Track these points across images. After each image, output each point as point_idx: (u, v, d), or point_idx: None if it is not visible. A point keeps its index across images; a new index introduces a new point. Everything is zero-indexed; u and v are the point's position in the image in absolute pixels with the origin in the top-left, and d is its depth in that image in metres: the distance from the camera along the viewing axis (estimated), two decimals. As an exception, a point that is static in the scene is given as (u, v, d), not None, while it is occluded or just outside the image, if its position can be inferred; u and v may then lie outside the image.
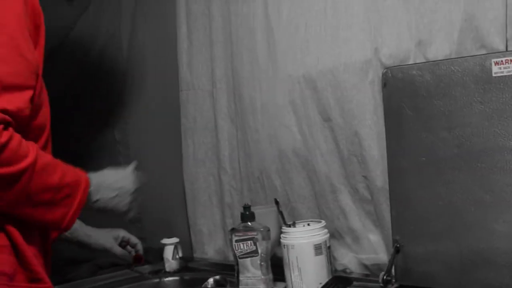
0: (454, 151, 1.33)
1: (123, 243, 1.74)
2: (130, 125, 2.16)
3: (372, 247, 1.55)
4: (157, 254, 1.87)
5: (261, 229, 1.50)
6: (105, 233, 1.71)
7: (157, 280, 1.78)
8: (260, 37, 1.71)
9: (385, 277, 1.38)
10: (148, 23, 2.08)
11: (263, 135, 1.73)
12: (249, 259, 1.50)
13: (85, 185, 1.18)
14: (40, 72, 1.13)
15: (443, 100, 1.34)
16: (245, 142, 1.80)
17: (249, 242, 1.49)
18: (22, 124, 1.07)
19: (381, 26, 1.46)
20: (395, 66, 1.43)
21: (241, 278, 1.51)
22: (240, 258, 1.50)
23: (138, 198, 1.35)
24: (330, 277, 1.46)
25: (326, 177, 1.60)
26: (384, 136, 1.46)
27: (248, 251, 1.49)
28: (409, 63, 1.42)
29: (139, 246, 1.76)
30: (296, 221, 1.54)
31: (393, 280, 1.41)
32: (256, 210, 1.54)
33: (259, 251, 1.49)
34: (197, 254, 1.98)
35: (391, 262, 1.41)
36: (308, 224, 1.50)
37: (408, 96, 1.40)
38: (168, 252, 1.81)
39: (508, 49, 1.28)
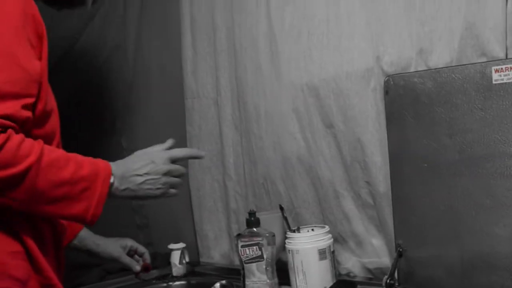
0: (455, 157, 1.34)
1: (131, 252, 1.73)
2: (137, 132, 2.16)
3: (375, 251, 1.57)
4: (164, 259, 1.88)
5: (266, 235, 1.51)
6: (113, 242, 1.70)
7: (164, 284, 1.80)
8: (264, 46, 1.72)
9: (388, 280, 1.39)
10: (153, 32, 2.08)
11: (267, 142, 1.74)
12: (254, 264, 1.51)
13: (105, 176, 1.13)
14: (45, 80, 1.12)
15: (444, 107, 1.36)
16: (249, 149, 1.80)
17: (254, 247, 1.50)
18: (27, 129, 1.06)
19: (383, 35, 1.48)
20: (396, 74, 1.45)
21: (247, 282, 1.52)
22: (246, 263, 1.51)
23: (171, 178, 1.25)
24: (334, 281, 1.47)
25: (329, 183, 1.61)
26: (386, 142, 1.47)
27: (254, 256, 1.50)
28: (411, 71, 1.43)
29: (147, 255, 1.75)
30: (300, 227, 1.56)
31: (396, 284, 1.42)
32: (261, 215, 1.55)
33: (265, 256, 1.50)
34: (203, 259, 1.99)
35: (394, 266, 1.43)
36: (312, 230, 1.52)
37: (409, 103, 1.41)
38: (175, 257, 1.82)
39: (508, 56, 1.29)
